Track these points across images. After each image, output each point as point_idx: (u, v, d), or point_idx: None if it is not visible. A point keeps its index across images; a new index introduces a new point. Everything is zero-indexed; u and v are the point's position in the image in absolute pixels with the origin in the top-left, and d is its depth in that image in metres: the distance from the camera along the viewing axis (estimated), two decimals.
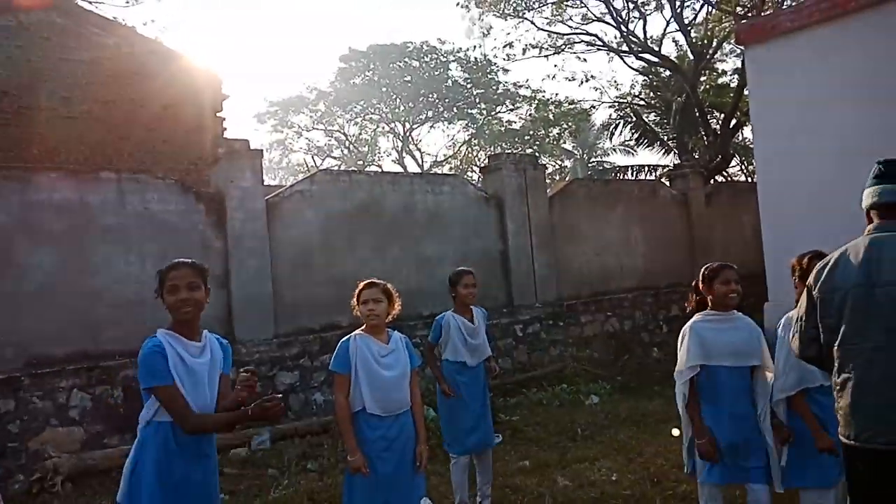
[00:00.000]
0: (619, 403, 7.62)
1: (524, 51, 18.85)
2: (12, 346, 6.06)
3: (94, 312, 6.47)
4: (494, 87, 27.43)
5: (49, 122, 9.51)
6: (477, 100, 27.91)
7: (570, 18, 18.02)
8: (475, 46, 28.88)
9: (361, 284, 3.57)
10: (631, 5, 17.30)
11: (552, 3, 17.76)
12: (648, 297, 10.73)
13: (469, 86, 27.62)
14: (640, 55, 17.86)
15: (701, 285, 3.65)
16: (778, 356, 3.50)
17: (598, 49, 18.54)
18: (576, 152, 28.06)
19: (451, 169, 29.35)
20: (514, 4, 18.05)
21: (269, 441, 6.39)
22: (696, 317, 3.62)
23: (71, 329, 6.34)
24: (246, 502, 5.15)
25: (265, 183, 8.53)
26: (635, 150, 22.82)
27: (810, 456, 3.39)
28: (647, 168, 20.71)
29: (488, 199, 9.47)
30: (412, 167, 29.36)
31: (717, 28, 16.97)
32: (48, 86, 9.64)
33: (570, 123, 23.58)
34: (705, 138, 17.31)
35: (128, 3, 13.08)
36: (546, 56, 18.98)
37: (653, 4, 17.46)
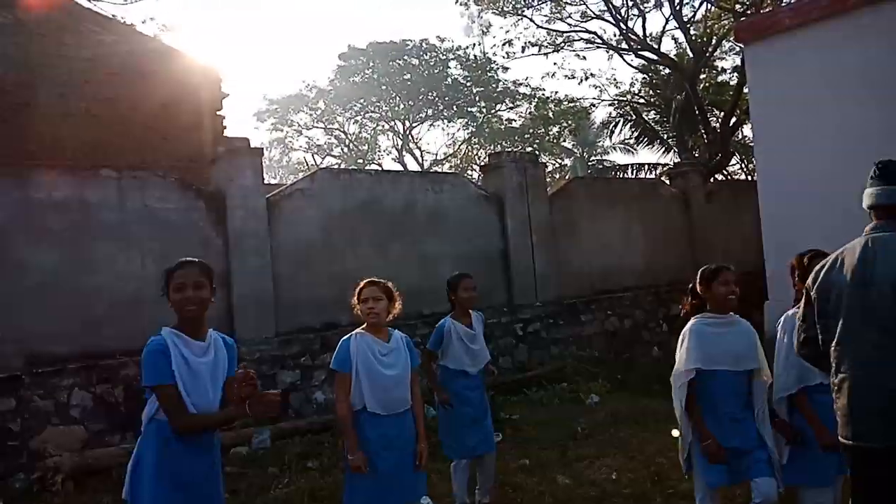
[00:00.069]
0: (620, 402, 7.62)
1: (523, 49, 18.83)
2: (13, 344, 6.05)
3: (94, 311, 6.47)
4: (494, 86, 27.40)
5: (47, 120, 9.49)
6: (477, 98, 27.88)
7: (570, 16, 18.01)
8: (474, 44, 28.89)
9: (362, 283, 3.57)
10: (630, 3, 17.27)
11: (551, 1, 17.74)
12: (649, 296, 10.73)
13: (469, 84, 27.59)
14: (640, 53, 17.85)
15: (699, 286, 3.63)
16: (777, 355, 3.51)
17: (598, 47, 18.54)
18: (576, 151, 28.05)
19: (451, 167, 29.33)
20: (514, 2, 18.03)
21: (270, 440, 6.39)
22: (695, 319, 3.59)
23: (71, 327, 6.33)
24: (247, 501, 5.15)
25: (265, 181, 8.52)
26: (635, 149, 22.84)
27: (809, 454, 3.39)
28: (647, 166, 20.73)
29: (488, 198, 9.47)
30: (412, 166, 29.37)
31: (716, 25, 16.95)
32: (46, 83, 9.62)
33: (569, 122, 23.56)
34: (705, 136, 17.31)
35: (126, 0, 13.05)
36: (545, 54, 18.95)
37: (652, 2, 17.43)
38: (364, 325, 3.54)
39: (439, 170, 27.86)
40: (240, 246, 7.31)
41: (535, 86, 28.03)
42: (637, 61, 18.85)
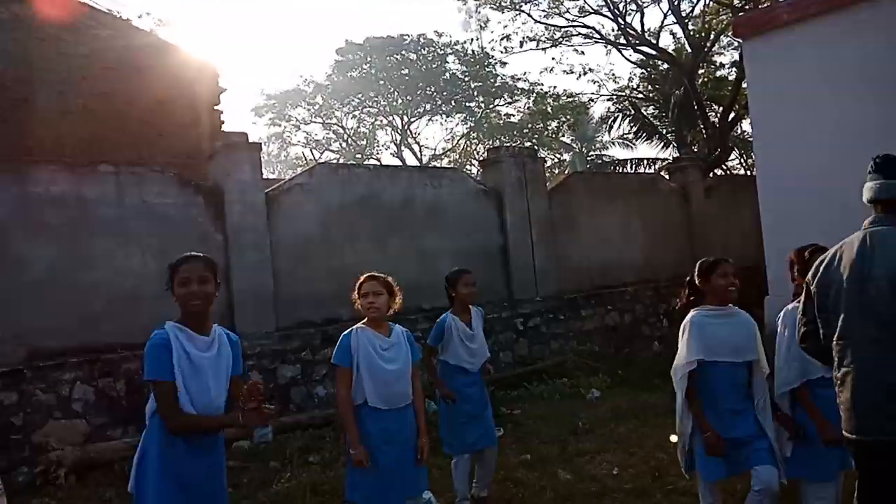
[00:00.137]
0: (620, 397, 7.64)
1: (522, 43, 18.81)
2: (14, 338, 6.06)
3: (94, 305, 6.47)
4: (492, 81, 27.35)
5: (44, 116, 9.46)
6: (475, 93, 27.83)
7: (568, 11, 17.96)
8: (472, 39, 28.78)
9: (362, 277, 3.57)
10: None
11: None
12: (649, 291, 10.75)
13: (467, 79, 27.54)
14: (638, 48, 17.83)
15: (697, 279, 3.64)
16: (778, 350, 3.52)
17: (596, 42, 18.51)
18: (575, 145, 28.03)
19: (449, 162, 29.29)
20: None
21: (272, 434, 6.41)
22: (695, 311, 3.61)
23: (71, 322, 6.34)
24: (248, 495, 5.16)
25: (264, 176, 8.52)
26: (634, 144, 22.86)
27: (811, 449, 3.40)
28: (646, 161, 20.72)
29: (488, 193, 9.47)
30: (410, 160, 29.30)
31: (714, 21, 16.94)
32: (44, 79, 9.60)
33: (568, 117, 23.54)
34: (704, 131, 17.31)
35: None
36: (544, 49, 18.93)
37: None
38: (365, 320, 3.54)
39: (438, 165, 27.83)
40: (239, 241, 7.31)
41: (533, 81, 28.13)
42: (635, 56, 18.83)
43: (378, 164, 24.00)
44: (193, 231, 7.10)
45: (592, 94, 23.21)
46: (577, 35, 18.50)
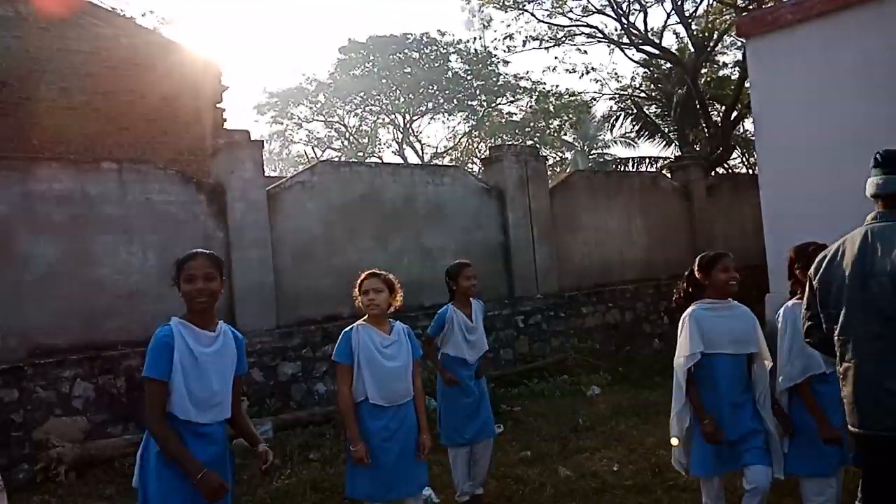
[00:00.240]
0: (621, 394, 7.65)
1: (524, 43, 18.79)
2: (15, 335, 6.07)
3: (96, 302, 6.48)
4: (495, 79, 27.36)
5: (48, 113, 9.49)
6: (477, 91, 27.83)
7: (571, 10, 17.94)
8: (475, 38, 28.86)
9: (363, 275, 3.58)
10: None
11: None
12: (650, 289, 10.75)
13: (469, 77, 27.55)
14: (641, 47, 17.80)
15: (698, 273, 3.64)
16: (780, 346, 3.52)
17: (599, 41, 18.47)
18: (576, 144, 28.04)
19: (451, 161, 29.29)
20: None
21: (272, 431, 6.41)
22: (695, 305, 3.61)
23: (73, 319, 6.35)
24: (249, 491, 5.17)
25: (266, 174, 8.53)
26: (636, 142, 22.86)
27: (811, 444, 3.40)
28: (647, 160, 20.72)
29: (489, 191, 9.47)
30: (412, 159, 29.31)
31: (717, 20, 16.90)
32: (47, 76, 9.63)
33: (570, 115, 23.51)
34: (706, 130, 17.29)
35: None
36: (546, 48, 18.91)
37: None
38: (365, 317, 3.55)
39: (440, 163, 27.84)
40: (240, 238, 7.32)
41: (535, 79, 28.12)
42: (638, 56, 18.81)
43: (380, 161, 24.02)
44: (195, 228, 7.11)
45: (595, 92, 23.20)
46: (580, 34, 18.49)
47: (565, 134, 27.15)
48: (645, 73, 20.90)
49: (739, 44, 16.30)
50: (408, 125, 29.53)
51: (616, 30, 17.95)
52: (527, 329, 9.32)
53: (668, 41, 19.56)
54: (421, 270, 8.26)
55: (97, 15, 10.25)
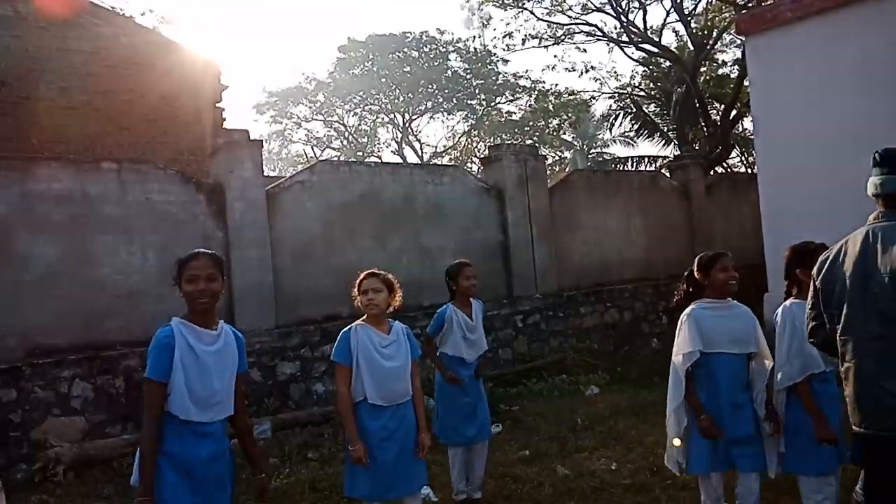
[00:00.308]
0: (619, 394, 7.65)
1: (524, 41, 18.81)
2: (14, 335, 6.07)
3: (95, 302, 6.48)
4: (494, 78, 27.36)
5: (48, 113, 9.49)
6: (476, 90, 27.84)
7: (570, 8, 17.96)
8: (474, 37, 28.86)
9: (362, 274, 3.58)
10: None
11: None
12: (648, 288, 10.74)
13: (469, 76, 27.55)
14: (640, 46, 17.81)
15: (697, 273, 3.64)
16: (779, 345, 3.51)
17: (598, 39, 18.48)
18: (576, 143, 28.02)
19: (450, 160, 29.30)
20: None
21: (271, 431, 6.42)
22: (694, 304, 3.62)
23: (72, 319, 6.34)
24: (247, 491, 5.15)
25: (265, 173, 8.53)
26: (635, 141, 22.83)
27: (810, 443, 3.40)
28: (647, 159, 20.71)
29: (489, 190, 9.47)
30: (412, 158, 29.32)
31: (717, 18, 16.91)
32: (47, 76, 9.62)
33: (570, 114, 23.53)
34: (705, 129, 17.29)
35: None
36: (546, 47, 18.93)
37: None
38: (364, 317, 3.55)
39: (439, 162, 27.83)
40: (240, 238, 7.31)
41: (535, 78, 28.14)
42: (638, 54, 18.82)
43: (379, 161, 24.01)
44: (195, 228, 7.11)
45: (594, 91, 23.19)
46: (579, 33, 18.52)
47: (564, 133, 27.16)
48: (644, 71, 20.90)
49: (739, 42, 16.31)
50: (407, 124, 29.53)
51: (615, 28, 17.97)
52: (525, 329, 9.32)
53: (668, 39, 19.63)
54: (420, 270, 8.26)
55: (97, 14, 10.24)
